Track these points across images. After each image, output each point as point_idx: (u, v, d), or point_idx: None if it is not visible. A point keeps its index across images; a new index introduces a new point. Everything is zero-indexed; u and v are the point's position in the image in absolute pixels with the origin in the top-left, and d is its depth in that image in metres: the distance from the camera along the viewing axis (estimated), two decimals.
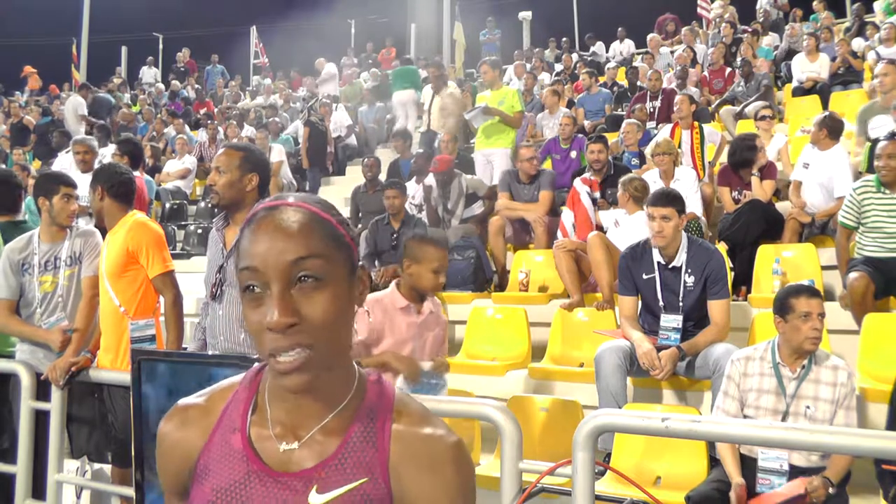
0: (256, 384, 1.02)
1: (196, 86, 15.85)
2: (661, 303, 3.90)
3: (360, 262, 0.99)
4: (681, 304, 3.86)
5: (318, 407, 0.96)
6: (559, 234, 5.46)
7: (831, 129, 5.21)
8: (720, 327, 3.78)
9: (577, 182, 5.62)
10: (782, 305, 3.01)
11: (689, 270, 3.85)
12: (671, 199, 3.87)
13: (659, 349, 3.75)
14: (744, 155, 5.43)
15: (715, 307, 3.81)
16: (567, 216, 5.47)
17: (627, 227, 4.88)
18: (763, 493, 2.89)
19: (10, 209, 4.02)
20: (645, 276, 3.96)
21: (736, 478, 2.91)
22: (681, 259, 3.88)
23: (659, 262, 3.92)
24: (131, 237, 3.26)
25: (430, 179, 6.68)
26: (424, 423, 0.97)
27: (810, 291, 3.04)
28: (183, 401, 1.05)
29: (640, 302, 4.06)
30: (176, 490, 1.05)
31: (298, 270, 0.89)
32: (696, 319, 3.87)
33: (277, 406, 0.98)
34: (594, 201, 5.59)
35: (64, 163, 8.00)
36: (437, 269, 2.97)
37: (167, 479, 1.05)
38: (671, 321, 3.84)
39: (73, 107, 11.93)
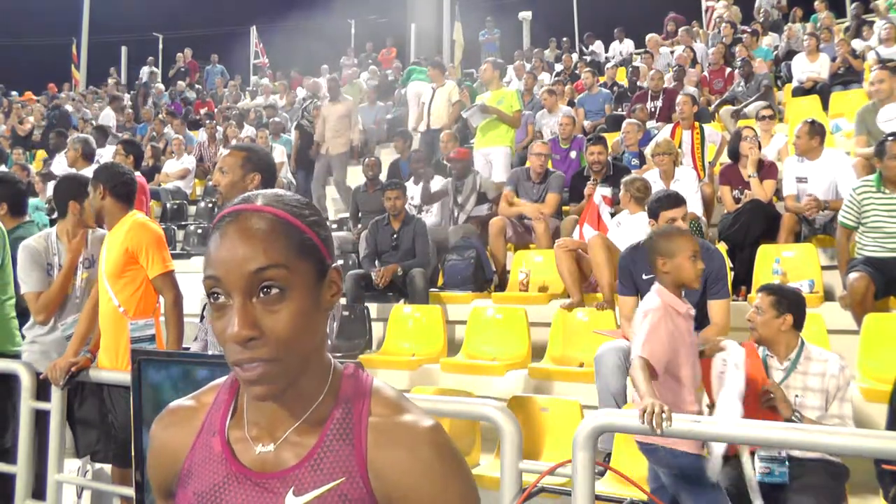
0: (237, 386, 1.02)
1: (197, 86, 15.85)
2: None
3: (333, 265, 0.96)
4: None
5: (292, 408, 0.95)
6: None
7: (822, 134, 5.18)
8: (720, 327, 3.78)
9: (599, 199, 5.55)
10: None
11: None
12: (683, 199, 4.00)
13: None
14: (732, 146, 5.63)
15: (715, 307, 3.82)
16: (588, 232, 5.44)
17: (629, 227, 4.87)
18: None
19: (20, 213, 4.02)
20: (645, 276, 3.96)
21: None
22: None
23: None
24: (131, 237, 3.25)
25: (437, 182, 6.70)
26: (400, 410, 0.96)
27: (763, 289, 3.20)
28: (174, 402, 1.06)
29: (639, 302, 4.07)
30: (164, 492, 1.05)
31: (260, 280, 0.88)
32: (697, 320, 3.87)
33: (253, 408, 0.98)
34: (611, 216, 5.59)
35: (64, 163, 8.01)
36: (694, 255, 2.79)
37: (157, 480, 1.05)
38: None
39: (105, 117, 12.61)
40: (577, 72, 11.41)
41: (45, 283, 3.45)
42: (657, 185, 5.22)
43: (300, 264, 0.90)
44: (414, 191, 6.80)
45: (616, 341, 3.90)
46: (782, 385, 3.01)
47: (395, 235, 5.90)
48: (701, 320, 3.87)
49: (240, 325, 0.86)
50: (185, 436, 1.01)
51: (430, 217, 6.59)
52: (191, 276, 5.08)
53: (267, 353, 0.87)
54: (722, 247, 4.81)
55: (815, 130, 5.16)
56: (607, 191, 5.66)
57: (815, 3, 11.81)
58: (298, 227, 0.92)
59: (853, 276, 4.11)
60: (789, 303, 3.09)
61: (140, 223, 3.31)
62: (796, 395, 3.00)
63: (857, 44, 9.66)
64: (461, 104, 8.64)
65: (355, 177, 8.76)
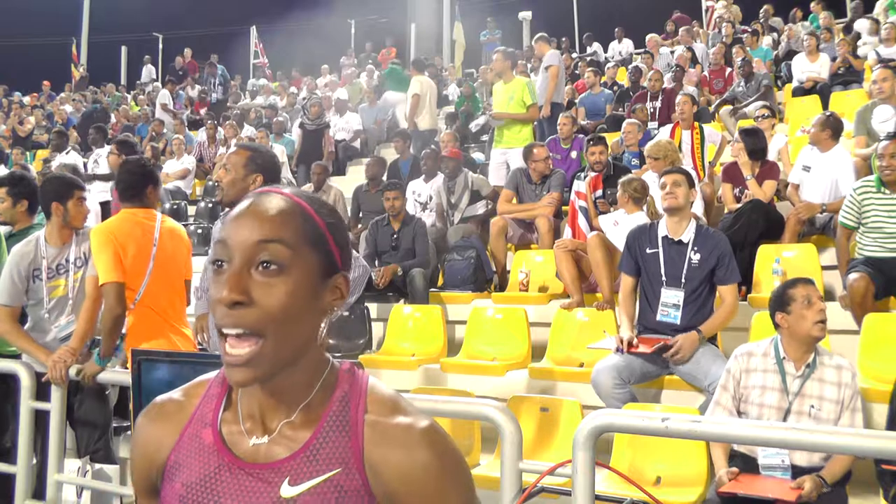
0: None
1: (201, 86, 15.83)
2: (663, 277, 3.94)
3: (342, 272, 0.96)
4: (683, 280, 3.90)
5: (286, 400, 0.95)
6: None
7: (834, 129, 5.21)
8: (732, 307, 3.93)
9: (575, 198, 5.57)
10: (781, 299, 3.04)
11: (696, 248, 3.93)
12: (681, 170, 4.16)
13: (659, 326, 3.89)
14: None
15: (726, 290, 3.94)
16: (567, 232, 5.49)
17: (627, 227, 4.86)
18: (757, 476, 2.87)
19: (35, 213, 3.95)
20: (649, 251, 4.03)
21: (724, 468, 2.91)
22: (688, 236, 3.96)
23: (664, 237, 4.00)
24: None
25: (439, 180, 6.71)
26: (397, 411, 0.96)
27: (805, 280, 3.11)
28: (161, 396, 1.05)
29: (639, 289, 4.09)
30: (146, 487, 1.04)
31: (262, 253, 0.89)
32: (695, 300, 3.91)
33: (247, 400, 0.98)
34: (594, 203, 5.59)
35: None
36: None
37: (140, 475, 1.04)
38: (672, 297, 3.91)
39: (159, 100, 13.07)
40: (577, 72, 11.41)
41: (17, 297, 3.39)
42: (657, 185, 5.21)
43: (305, 250, 0.91)
44: (422, 188, 6.79)
45: (610, 358, 3.84)
46: (798, 394, 2.93)
47: (394, 236, 5.90)
48: (701, 304, 3.92)
49: (229, 289, 0.87)
50: (172, 429, 1.00)
51: (429, 217, 6.58)
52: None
53: (252, 322, 0.87)
54: None
55: (827, 124, 5.22)
56: (581, 184, 5.65)
57: (812, 5, 11.81)
58: (313, 217, 0.93)
59: (853, 276, 4.11)
60: None
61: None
62: (811, 406, 2.91)
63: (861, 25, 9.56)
64: (417, 97, 8.87)
65: (357, 176, 8.78)
